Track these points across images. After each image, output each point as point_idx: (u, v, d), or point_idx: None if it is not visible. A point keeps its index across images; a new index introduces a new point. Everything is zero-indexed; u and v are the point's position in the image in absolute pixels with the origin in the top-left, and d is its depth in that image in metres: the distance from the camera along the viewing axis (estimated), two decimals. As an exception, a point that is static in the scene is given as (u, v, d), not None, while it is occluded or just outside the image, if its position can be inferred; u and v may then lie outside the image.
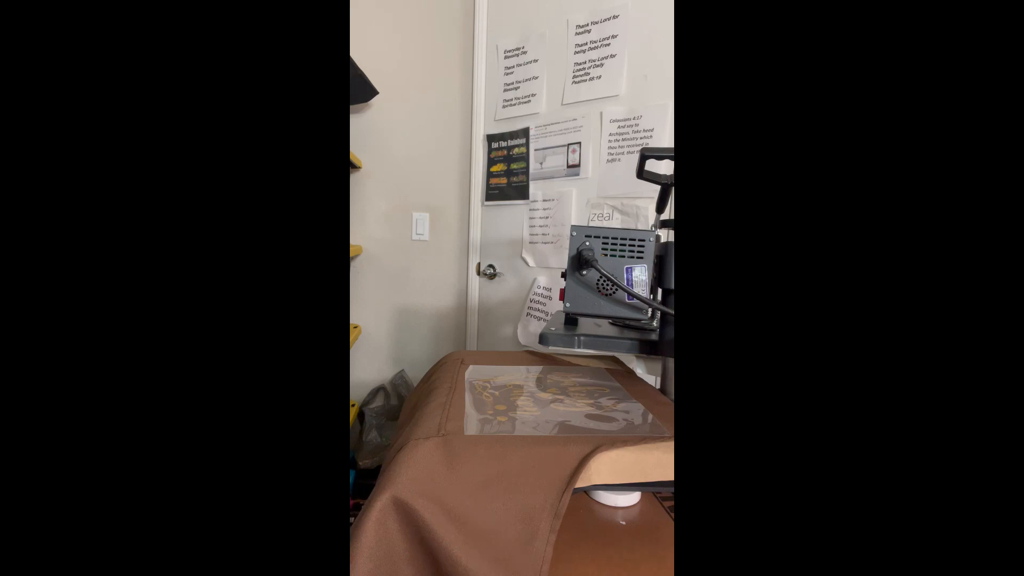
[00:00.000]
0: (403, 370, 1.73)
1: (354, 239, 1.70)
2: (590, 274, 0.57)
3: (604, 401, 0.58)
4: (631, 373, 0.74)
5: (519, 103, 1.49)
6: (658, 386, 0.76)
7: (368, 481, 1.45)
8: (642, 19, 1.22)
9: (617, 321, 0.74)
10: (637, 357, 0.71)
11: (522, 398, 0.60)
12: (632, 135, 1.24)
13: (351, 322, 1.63)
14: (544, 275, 1.46)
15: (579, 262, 0.57)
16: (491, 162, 1.59)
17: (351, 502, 1.41)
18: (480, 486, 0.38)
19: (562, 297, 0.59)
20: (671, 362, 0.72)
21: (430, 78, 1.67)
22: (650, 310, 0.59)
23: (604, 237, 0.57)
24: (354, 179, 1.69)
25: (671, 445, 0.44)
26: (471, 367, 0.74)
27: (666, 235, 0.67)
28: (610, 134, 1.28)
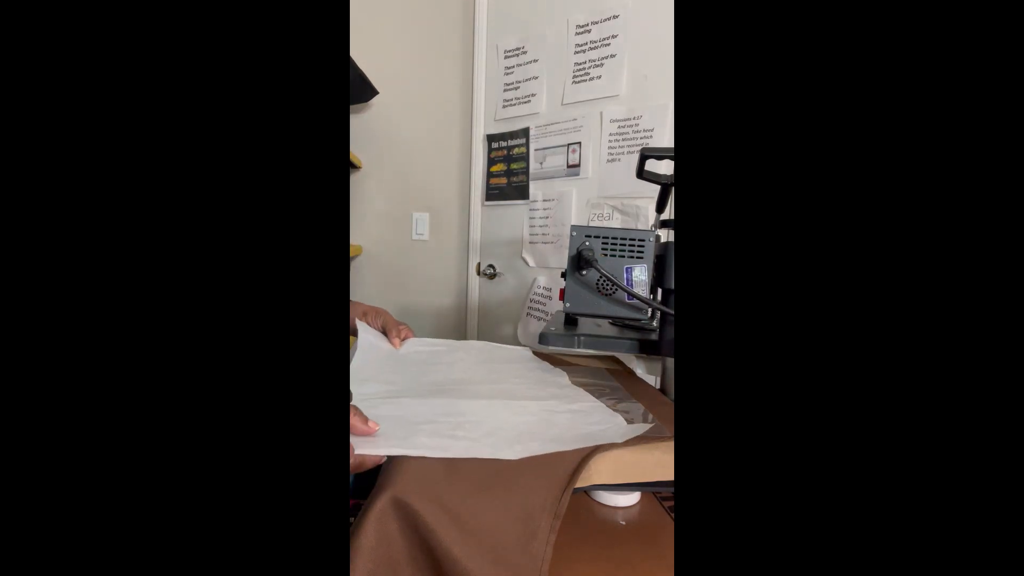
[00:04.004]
0: (403, 370, 1.73)
1: (354, 239, 1.70)
2: (590, 274, 0.57)
3: (604, 401, 0.58)
4: (631, 373, 0.74)
5: (519, 103, 1.49)
6: (658, 386, 0.76)
7: (368, 481, 1.45)
8: (642, 19, 1.22)
9: (617, 321, 0.74)
10: (637, 357, 0.71)
11: (522, 398, 0.60)
12: (632, 135, 1.24)
13: (351, 322, 1.62)
14: (544, 275, 1.46)
15: (579, 262, 0.56)
16: (491, 162, 1.59)
17: (351, 502, 1.40)
18: (480, 486, 0.38)
19: (562, 297, 0.59)
20: (671, 362, 0.72)
21: (430, 78, 1.67)
22: (650, 310, 0.59)
23: (604, 237, 0.57)
24: (354, 179, 1.69)
25: (671, 445, 0.44)
26: (471, 367, 0.74)
27: (666, 235, 0.67)
28: (610, 134, 1.28)
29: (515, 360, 0.72)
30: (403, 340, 0.71)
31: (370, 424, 0.40)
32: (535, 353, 0.77)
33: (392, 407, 0.50)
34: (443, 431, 0.45)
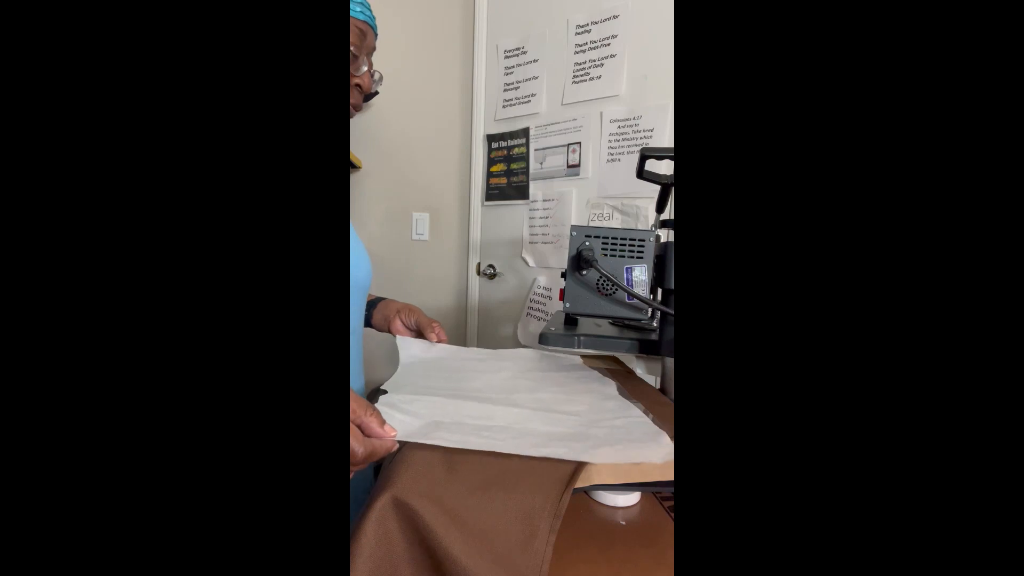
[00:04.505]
0: (403, 370, 1.73)
1: (354, 239, 1.70)
2: (590, 274, 0.57)
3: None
4: (631, 373, 0.74)
5: (519, 103, 1.49)
6: (658, 386, 0.76)
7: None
8: (642, 19, 1.22)
9: (617, 321, 0.74)
10: (637, 357, 0.71)
11: (522, 398, 0.60)
12: (632, 135, 1.24)
13: (351, 322, 1.62)
14: (544, 275, 1.46)
15: (579, 262, 0.56)
16: (491, 162, 1.59)
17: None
18: (480, 486, 0.38)
19: (562, 297, 0.59)
20: (671, 362, 0.72)
21: (430, 78, 1.67)
22: (650, 310, 0.59)
23: (604, 237, 0.57)
24: (354, 179, 1.69)
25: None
26: (471, 367, 0.74)
27: (666, 235, 0.67)
28: (610, 134, 1.28)
29: (563, 369, 0.69)
30: (438, 336, 0.72)
31: (386, 428, 0.40)
32: (584, 360, 0.75)
33: (422, 406, 0.50)
34: (467, 431, 0.44)
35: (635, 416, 0.53)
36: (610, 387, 0.64)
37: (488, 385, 0.61)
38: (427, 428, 0.44)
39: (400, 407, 0.48)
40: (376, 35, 0.66)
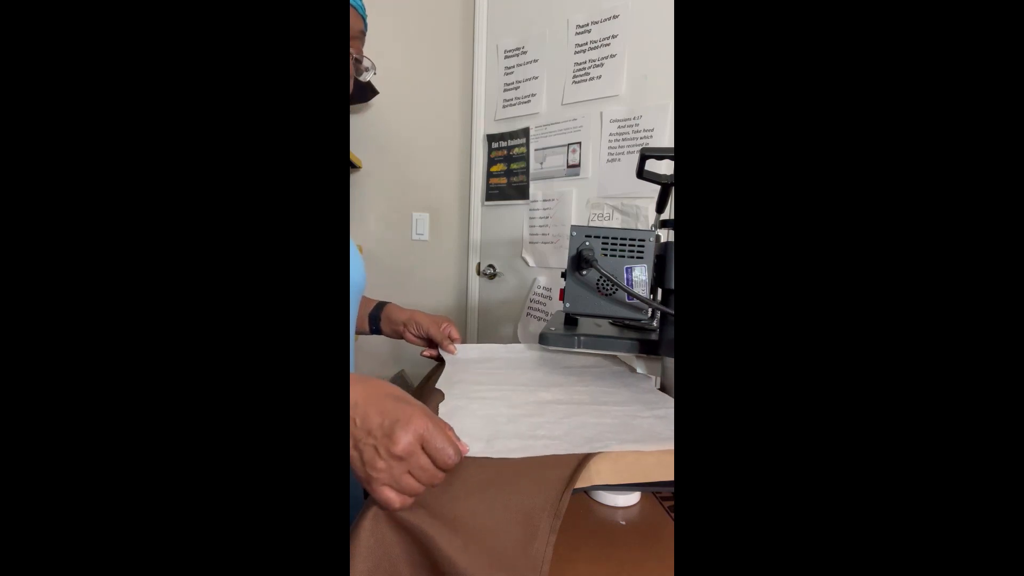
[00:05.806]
0: (403, 370, 1.73)
1: (354, 239, 1.70)
2: (590, 274, 0.57)
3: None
4: (632, 373, 0.74)
5: (519, 103, 1.49)
6: (658, 386, 0.76)
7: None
8: (642, 19, 1.22)
9: (617, 321, 0.74)
10: (637, 357, 0.71)
11: (522, 398, 0.60)
12: (632, 135, 1.24)
13: (351, 322, 1.62)
14: (544, 275, 1.46)
15: (579, 262, 0.56)
16: (491, 162, 1.59)
17: (351, 502, 1.40)
18: (480, 486, 0.38)
19: (562, 297, 0.59)
20: (671, 362, 0.72)
21: (430, 78, 1.67)
22: (650, 310, 0.59)
23: (604, 237, 0.57)
24: (354, 179, 1.69)
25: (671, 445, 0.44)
26: (472, 367, 0.74)
27: (666, 235, 0.67)
28: (610, 134, 1.28)
29: (598, 365, 0.73)
30: (454, 342, 0.76)
31: (461, 446, 0.39)
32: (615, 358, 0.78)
33: (479, 405, 0.53)
34: (524, 432, 0.46)
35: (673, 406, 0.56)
36: (647, 382, 0.67)
37: (532, 380, 0.64)
38: (490, 439, 0.45)
39: (460, 414, 0.50)
40: (364, 18, 0.63)
